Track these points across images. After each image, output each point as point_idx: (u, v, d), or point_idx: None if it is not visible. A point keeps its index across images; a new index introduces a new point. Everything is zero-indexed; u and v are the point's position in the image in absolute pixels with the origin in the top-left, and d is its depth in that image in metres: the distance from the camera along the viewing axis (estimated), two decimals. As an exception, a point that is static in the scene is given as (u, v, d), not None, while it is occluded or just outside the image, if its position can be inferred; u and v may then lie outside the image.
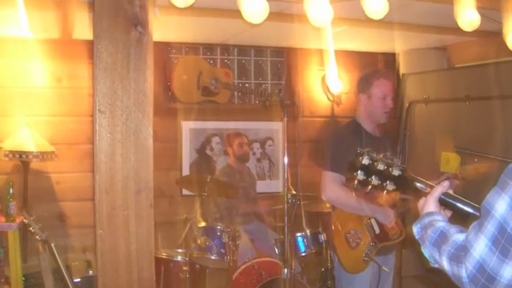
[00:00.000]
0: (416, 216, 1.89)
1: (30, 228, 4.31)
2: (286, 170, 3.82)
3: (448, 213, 1.87)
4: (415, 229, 1.83)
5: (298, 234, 4.72)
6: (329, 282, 4.79)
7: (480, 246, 1.48)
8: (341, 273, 3.91)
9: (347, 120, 4.24)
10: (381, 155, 1.97)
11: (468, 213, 1.80)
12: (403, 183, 1.95)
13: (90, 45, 2.80)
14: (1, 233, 4.92)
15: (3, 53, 5.29)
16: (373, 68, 6.00)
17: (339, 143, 3.84)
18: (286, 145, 3.76)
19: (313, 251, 4.78)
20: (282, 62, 6.59)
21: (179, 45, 6.13)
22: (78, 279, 4.98)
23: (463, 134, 5.27)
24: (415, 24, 5.09)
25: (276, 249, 4.77)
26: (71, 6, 4.08)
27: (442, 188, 1.86)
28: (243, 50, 6.42)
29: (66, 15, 4.46)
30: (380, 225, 3.84)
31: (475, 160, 4.21)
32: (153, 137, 2.82)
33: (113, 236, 2.79)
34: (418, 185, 1.94)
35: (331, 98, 6.56)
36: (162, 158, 5.48)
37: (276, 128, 6.35)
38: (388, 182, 1.94)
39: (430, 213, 1.82)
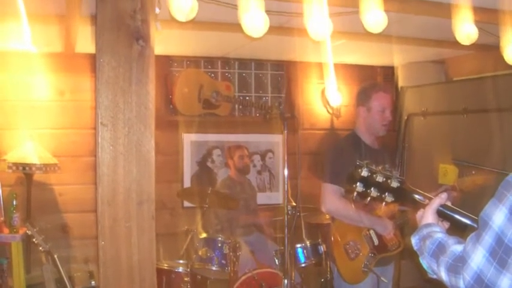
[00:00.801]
0: (414, 227, 1.90)
1: (34, 240, 4.34)
2: (286, 182, 3.84)
3: (446, 224, 1.88)
4: (414, 240, 1.84)
5: (298, 245, 4.75)
6: (329, 292, 4.82)
7: (478, 257, 1.49)
8: (340, 284, 3.90)
9: (346, 133, 4.25)
10: (380, 167, 1.98)
11: (466, 225, 1.81)
12: (402, 195, 1.96)
13: (93, 59, 2.81)
14: (5, 244, 4.94)
15: (7, 66, 5.32)
16: (372, 81, 6.02)
17: (339, 155, 3.85)
18: (286, 157, 3.80)
19: (313, 262, 4.81)
20: (282, 75, 6.63)
21: (180, 59, 6.17)
22: (81, 290, 5.02)
23: (461, 146, 5.29)
24: (413, 37, 5.11)
25: (276, 260, 4.79)
26: (74, 20, 4.09)
27: (440, 199, 1.87)
28: (243, 63, 6.46)
29: (68, 30, 4.46)
30: (379, 236, 3.85)
31: (473, 172, 4.21)
32: (154, 150, 2.81)
33: (115, 247, 2.77)
34: (417, 196, 1.95)
35: (331, 111, 6.59)
36: (164, 170, 5.51)
37: (276, 140, 6.38)
38: (386, 193, 1.95)
39: (428, 225, 1.83)
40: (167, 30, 3.91)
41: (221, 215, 5.43)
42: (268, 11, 3.45)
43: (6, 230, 4.89)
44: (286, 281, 3.83)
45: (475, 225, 1.68)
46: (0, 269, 4.94)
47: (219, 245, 4.68)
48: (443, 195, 1.89)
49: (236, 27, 3.62)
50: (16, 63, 5.32)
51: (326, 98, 6.51)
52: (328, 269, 4.79)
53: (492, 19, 4.01)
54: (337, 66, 6.08)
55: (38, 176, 5.33)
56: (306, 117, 6.53)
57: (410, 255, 2.06)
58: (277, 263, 4.77)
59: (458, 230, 1.82)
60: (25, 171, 5.09)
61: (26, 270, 5.09)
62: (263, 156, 6.45)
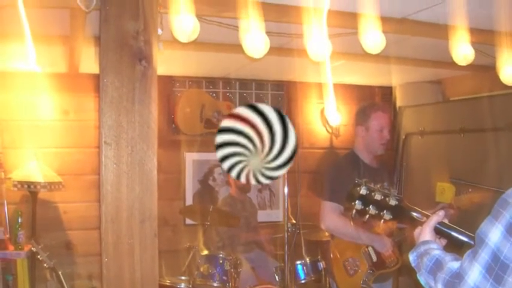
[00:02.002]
0: (412, 244, 1.93)
1: (38, 256, 4.35)
2: (286, 200, 3.88)
3: (443, 241, 1.91)
4: (411, 257, 1.87)
5: (298, 262, 4.75)
6: (328, 309, 4.82)
7: (474, 274, 1.51)
8: (340, 300, 3.94)
9: (345, 152, 4.30)
10: (378, 186, 2.02)
11: (463, 242, 1.84)
12: (400, 213, 2.00)
13: (96, 79, 2.81)
14: (10, 261, 4.97)
15: (12, 86, 5.36)
16: (371, 101, 6.08)
17: (338, 173, 3.90)
18: (286, 176, 3.83)
19: (313, 279, 4.80)
20: (282, 95, 6.66)
21: (183, 79, 6.21)
22: (85, 306, 5.03)
23: (457, 165, 5.31)
24: (411, 58, 5.13)
25: (277, 277, 4.79)
26: (78, 41, 4.11)
27: (437, 217, 1.90)
28: (244, 83, 6.49)
29: (73, 50, 4.50)
30: (377, 253, 3.88)
31: (470, 190, 4.23)
32: (157, 168, 2.82)
33: (118, 264, 2.76)
34: (414, 214, 1.99)
35: (330, 130, 6.62)
36: (166, 189, 5.55)
37: (277, 159, 6.40)
38: (385, 211, 1.99)
39: (425, 242, 1.86)
40: (169, 51, 3.92)
41: (222, 232, 5.45)
42: (268, 33, 3.49)
43: (11, 247, 4.92)
44: (286, 297, 3.86)
45: (472, 243, 1.72)
46: (6, 286, 4.96)
47: (220, 261, 4.69)
48: (441, 213, 1.93)
49: (237, 48, 3.64)
50: (21, 84, 5.36)
51: (325, 117, 6.54)
52: (328, 286, 4.79)
53: (488, 40, 4.02)
54: (337, 87, 6.07)
55: (42, 194, 5.35)
56: (305, 136, 6.57)
57: (408, 271, 2.08)
58: (277, 279, 4.77)
59: (455, 247, 1.85)
60: (30, 189, 5.11)
61: (31, 287, 5.10)
62: (263, 175, 6.48)
